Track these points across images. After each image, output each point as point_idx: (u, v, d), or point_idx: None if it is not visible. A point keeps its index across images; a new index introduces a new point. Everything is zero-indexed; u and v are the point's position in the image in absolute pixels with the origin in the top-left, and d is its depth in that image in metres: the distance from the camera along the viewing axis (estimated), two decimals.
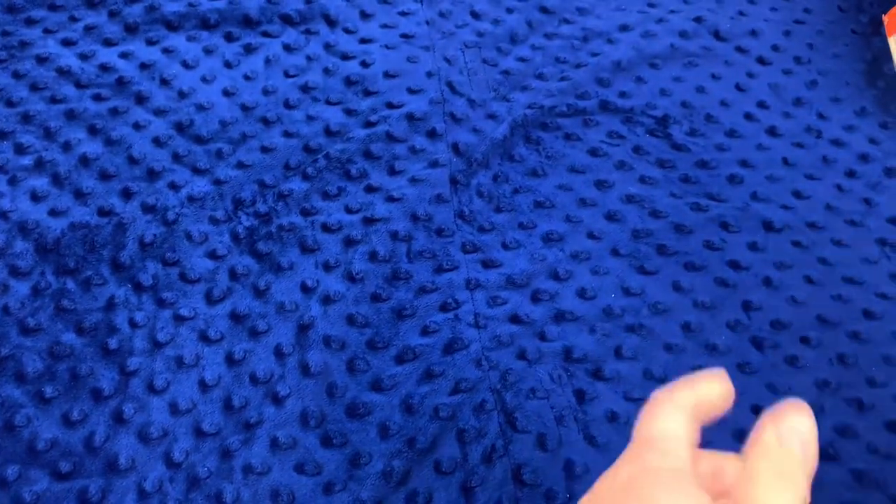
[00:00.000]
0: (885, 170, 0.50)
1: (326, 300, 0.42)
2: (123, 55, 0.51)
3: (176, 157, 0.47)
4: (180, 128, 0.48)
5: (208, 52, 0.52)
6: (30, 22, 0.52)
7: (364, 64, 0.52)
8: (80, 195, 0.45)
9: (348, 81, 0.51)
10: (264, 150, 0.48)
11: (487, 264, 0.44)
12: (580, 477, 0.37)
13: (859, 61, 0.55)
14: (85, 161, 0.46)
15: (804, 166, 0.49)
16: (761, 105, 0.52)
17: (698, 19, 0.56)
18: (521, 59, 0.53)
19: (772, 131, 0.51)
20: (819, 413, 0.40)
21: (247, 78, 0.51)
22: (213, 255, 0.44)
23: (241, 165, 0.47)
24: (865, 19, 0.57)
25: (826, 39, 0.56)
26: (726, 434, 0.40)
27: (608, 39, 0.54)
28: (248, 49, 0.52)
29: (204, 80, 0.51)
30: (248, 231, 0.44)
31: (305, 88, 0.51)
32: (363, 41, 0.53)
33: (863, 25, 0.57)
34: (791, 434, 0.26)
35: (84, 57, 0.51)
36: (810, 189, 0.48)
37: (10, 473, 0.36)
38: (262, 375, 0.40)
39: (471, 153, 0.48)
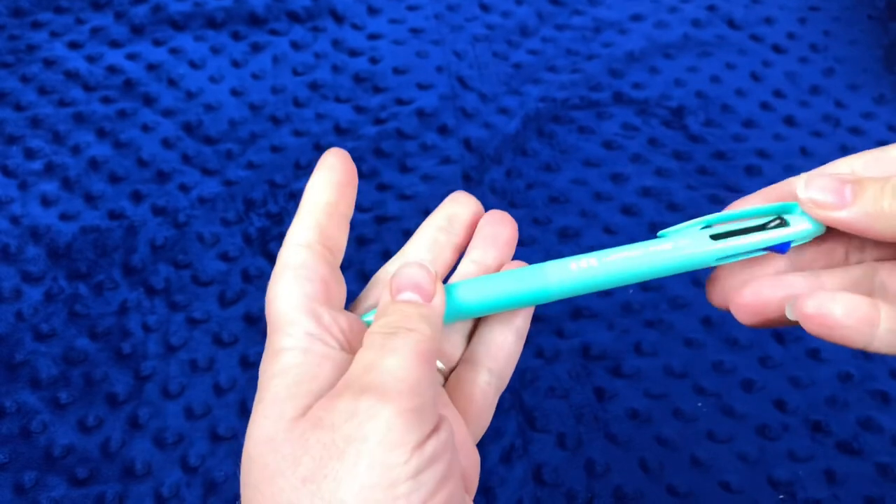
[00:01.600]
0: None
1: None
2: (130, 56, 0.51)
3: (185, 159, 0.47)
4: (189, 129, 0.48)
5: (215, 51, 0.52)
6: (36, 25, 0.52)
7: (373, 60, 0.51)
8: (90, 199, 0.45)
9: (357, 78, 0.51)
10: (274, 149, 0.47)
11: None
12: (602, 476, 0.37)
13: (876, 47, 0.54)
14: (94, 164, 0.46)
15: (822, 155, 0.48)
16: (778, 94, 0.51)
17: (711, 7, 0.55)
18: (532, 52, 0.52)
19: (789, 121, 0.50)
20: (843, 407, 0.39)
21: (255, 77, 0.51)
22: (225, 256, 0.43)
23: (251, 165, 0.46)
24: (882, 4, 0.56)
25: (842, 26, 0.55)
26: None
27: (620, 30, 0.54)
28: (256, 47, 0.52)
29: (212, 79, 0.50)
30: (259, 232, 0.44)
31: (314, 86, 0.50)
32: (371, 37, 0.53)
33: (879, 11, 0.56)
34: (403, 281, 0.22)
35: (91, 59, 0.51)
36: None
37: (28, 480, 0.36)
38: None
39: (483, 148, 0.47)
